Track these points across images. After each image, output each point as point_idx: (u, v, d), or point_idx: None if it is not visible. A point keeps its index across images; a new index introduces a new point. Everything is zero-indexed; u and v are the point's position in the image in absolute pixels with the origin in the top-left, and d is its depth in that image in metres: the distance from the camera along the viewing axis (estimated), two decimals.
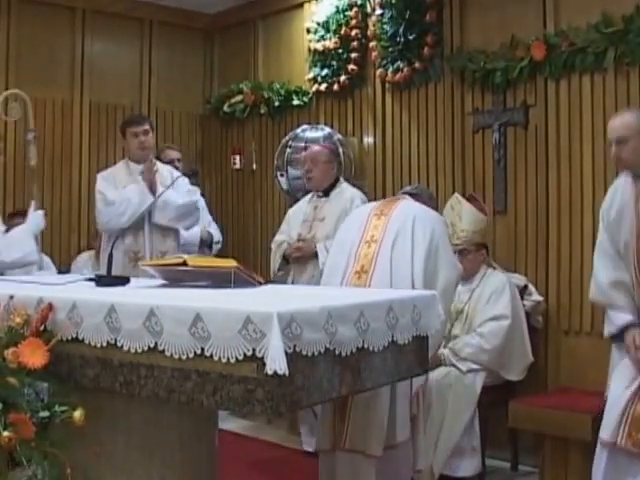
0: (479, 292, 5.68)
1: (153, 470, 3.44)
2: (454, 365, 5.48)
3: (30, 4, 7.82)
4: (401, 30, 6.94)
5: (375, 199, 6.86)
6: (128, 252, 6.08)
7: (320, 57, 7.80)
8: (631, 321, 4.31)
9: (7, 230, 5.49)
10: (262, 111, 8.44)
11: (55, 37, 8.08)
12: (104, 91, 8.35)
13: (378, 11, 7.20)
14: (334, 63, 7.65)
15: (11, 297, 3.52)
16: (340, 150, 7.17)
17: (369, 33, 7.36)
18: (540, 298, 5.95)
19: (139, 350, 3.09)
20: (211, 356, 2.88)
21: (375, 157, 7.42)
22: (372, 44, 7.27)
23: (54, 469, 3.18)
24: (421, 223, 4.60)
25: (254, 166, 8.56)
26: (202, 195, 7.56)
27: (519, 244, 6.27)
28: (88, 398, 3.28)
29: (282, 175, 7.52)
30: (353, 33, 7.48)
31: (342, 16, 7.57)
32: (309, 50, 7.94)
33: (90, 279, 4.08)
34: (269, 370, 2.70)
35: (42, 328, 3.35)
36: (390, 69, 7.09)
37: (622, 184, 4.47)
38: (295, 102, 8.11)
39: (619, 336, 4.38)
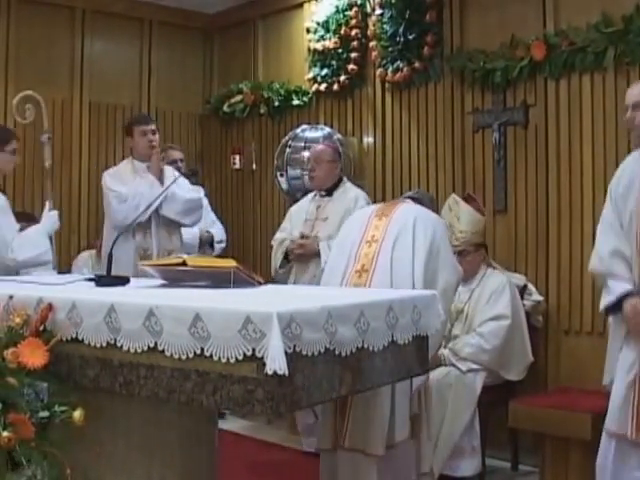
0: (479, 292, 5.68)
1: (153, 470, 3.44)
2: (454, 365, 5.47)
3: (30, 4, 7.83)
4: (401, 30, 6.94)
5: (375, 199, 6.89)
6: (138, 249, 6.12)
7: (320, 57, 7.80)
8: (630, 290, 4.29)
9: (21, 230, 5.56)
10: (262, 111, 8.45)
11: (55, 37, 8.08)
12: (104, 91, 8.36)
13: (378, 11, 7.20)
14: (334, 63, 7.66)
15: (11, 297, 3.52)
16: (340, 150, 7.17)
17: (369, 33, 7.36)
18: (540, 298, 5.95)
19: (139, 350, 3.09)
20: (211, 356, 2.87)
21: (375, 157, 7.42)
22: (372, 44, 7.27)
23: (54, 469, 3.18)
24: (422, 224, 4.60)
25: (254, 166, 8.56)
26: (205, 195, 7.61)
27: (519, 244, 6.27)
28: (88, 398, 3.28)
29: (282, 175, 7.52)
30: (353, 33, 7.48)
31: (342, 16, 7.57)
32: (309, 50, 7.94)
33: (90, 279, 4.08)
34: (269, 370, 2.70)
35: (42, 328, 3.35)
36: (390, 69, 7.09)
37: (631, 160, 4.50)
38: (295, 102, 8.12)
39: (616, 306, 4.35)
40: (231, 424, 6.93)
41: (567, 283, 5.95)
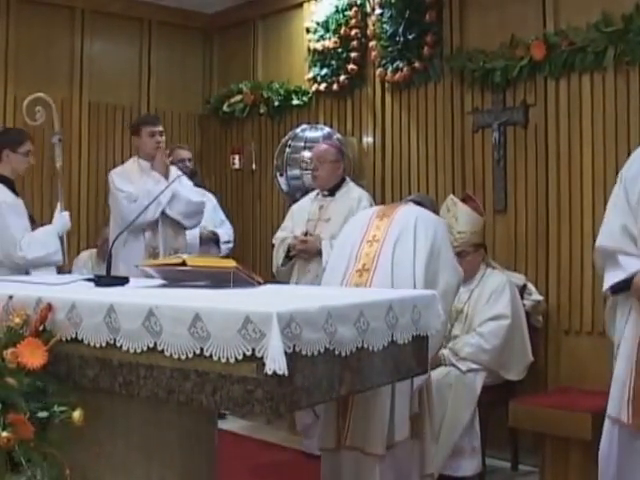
0: (479, 292, 5.68)
1: (152, 470, 3.44)
2: (454, 365, 5.47)
3: (29, 4, 7.83)
4: (401, 30, 6.94)
5: (374, 199, 6.88)
6: (147, 247, 6.19)
7: (320, 57, 7.80)
8: None
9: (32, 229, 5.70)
10: (261, 111, 8.45)
11: (54, 37, 8.09)
12: (103, 91, 8.36)
13: (378, 11, 7.20)
14: (334, 63, 7.65)
15: (10, 297, 3.52)
16: (344, 149, 7.19)
17: (369, 33, 7.36)
18: (540, 297, 5.95)
19: (138, 350, 3.08)
20: (210, 356, 2.87)
21: (374, 157, 7.42)
22: (372, 44, 7.27)
23: (53, 470, 3.17)
24: (423, 225, 4.60)
25: (253, 166, 8.57)
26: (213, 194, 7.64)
27: (519, 243, 6.26)
28: (87, 398, 3.27)
29: (281, 175, 7.52)
30: (353, 33, 7.48)
31: (342, 16, 7.57)
32: (309, 50, 7.94)
33: (89, 279, 4.07)
34: (268, 370, 2.70)
35: (41, 328, 3.35)
36: (390, 69, 7.09)
37: None
38: (295, 102, 8.11)
39: (624, 284, 4.34)
40: (231, 424, 6.93)
41: (567, 283, 5.95)
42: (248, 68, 8.76)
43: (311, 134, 7.41)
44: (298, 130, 7.54)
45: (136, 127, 6.51)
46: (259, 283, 3.83)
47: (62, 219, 5.75)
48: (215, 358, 2.86)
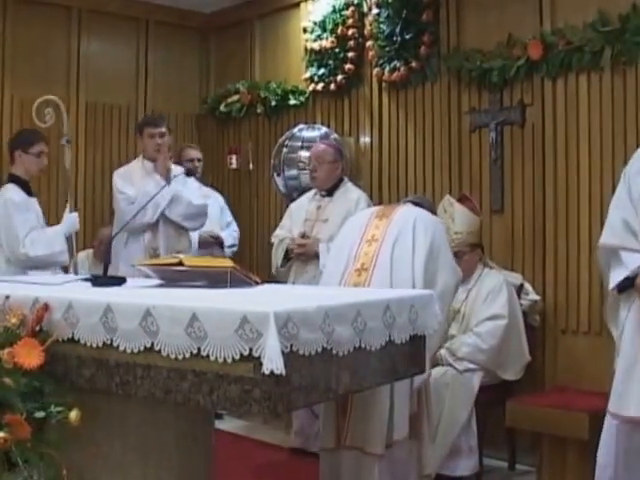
0: (476, 292, 5.68)
1: (149, 471, 3.44)
2: (451, 365, 5.47)
3: (26, 4, 7.82)
4: (398, 29, 6.93)
5: (371, 198, 6.88)
6: (148, 248, 6.24)
7: (317, 56, 7.79)
8: None
9: None
10: (259, 111, 8.44)
11: (51, 37, 8.08)
12: (100, 91, 8.34)
13: (375, 10, 7.20)
14: (331, 62, 7.65)
15: (7, 297, 3.52)
16: (342, 149, 7.19)
17: (366, 32, 7.35)
18: (537, 297, 5.94)
19: (135, 350, 3.09)
20: (207, 356, 2.87)
21: (372, 157, 7.42)
22: (369, 43, 7.27)
23: (50, 470, 3.17)
24: (422, 225, 4.61)
25: (251, 166, 8.56)
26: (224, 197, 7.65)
27: (516, 243, 6.26)
28: (84, 399, 3.27)
29: (279, 175, 7.52)
30: (350, 32, 7.47)
31: (339, 15, 7.57)
32: (306, 49, 7.94)
33: (86, 279, 4.07)
34: (266, 370, 2.70)
35: (38, 328, 3.36)
36: (387, 68, 7.09)
37: None
38: (292, 102, 8.11)
39: (628, 281, 4.34)
40: (228, 424, 6.92)
41: (564, 282, 5.95)
42: (245, 68, 8.76)
43: (308, 134, 7.40)
44: (295, 130, 7.53)
45: (139, 128, 6.59)
46: (256, 283, 3.83)
47: (70, 220, 5.81)
48: (212, 358, 2.86)
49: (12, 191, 5.73)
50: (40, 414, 3.19)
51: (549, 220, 6.05)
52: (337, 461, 4.48)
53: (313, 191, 6.55)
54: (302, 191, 6.84)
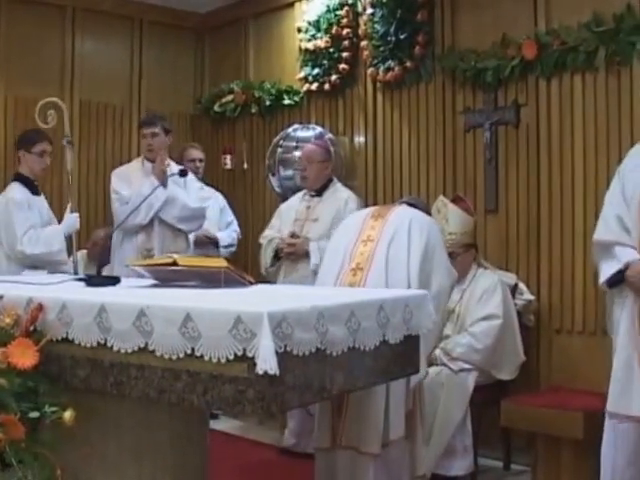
0: (470, 292, 5.68)
1: (144, 471, 3.43)
2: (446, 365, 5.47)
3: (20, 2, 7.80)
4: (392, 29, 6.93)
5: (366, 198, 6.89)
6: (141, 249, 6.23)
7: (311, 56, 7.79)
8: (639, 258, 4.35)
9: None
10: (253, 111, 8.44)
11: (45, 36, 8.06)
12: (94, 90, 8.33)
13: (369, 10, 7.19)
14: (325, 62, 7.64)
15: (1, 297, 3.51)
16: (332, 149, 7.18)
17: (360, 32, 7.35)
18: (531, 297, 5.95)
19: (129, 350, 3.09)
20: (201, 356, 2.87)
21: (366, 156, 7.42)
22: (363, 43, 7.26)
23: (44, 470, 3.17)
24: (418, 225, 4.61)
25: (245, 166, 8.55)
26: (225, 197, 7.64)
27: (510, 243, 6.26)
28: (78, 399, 3.27)
29: (273, 175, 7.53)
30: (344, 32, 7.47)
31: (333, 15, 7.56)
32: (300, 49, 7.93)
33: (80, 279, 4.07)
34: (260, 370, 2.70)
35: (32, 328, 3.35)
36: (381, 68, 7.09)
37: None
38: (286, 101, 8.11)
39: (620, 275, 4.39)
40: (223, 424, 6.91)
41: (558, 282, 5.95)
42: (239, 68, 8.75)
43: (303, 134, 7.41)
44: (290, 130, 7.54)
45: (138, 128, 6.60)
46: (250, 283, 3.84)
47: (70, 220, 5.86)
48: (206, 358, 2.86)
49: (15, 190, 5.89)
50: (34, 414, 3.19)
51: (543, 220, 6.05)
52: (332, 461, 4.47)
53: (302, 192, 6.58)
54: (297, 191, 6.84)
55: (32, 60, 7.91)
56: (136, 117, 8.56)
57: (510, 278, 5.95)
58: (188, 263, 3.84)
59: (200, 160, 7.57)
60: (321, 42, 7.63)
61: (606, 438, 4.43)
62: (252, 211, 8.52)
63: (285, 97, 8.12)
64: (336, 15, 7.54)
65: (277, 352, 2.74)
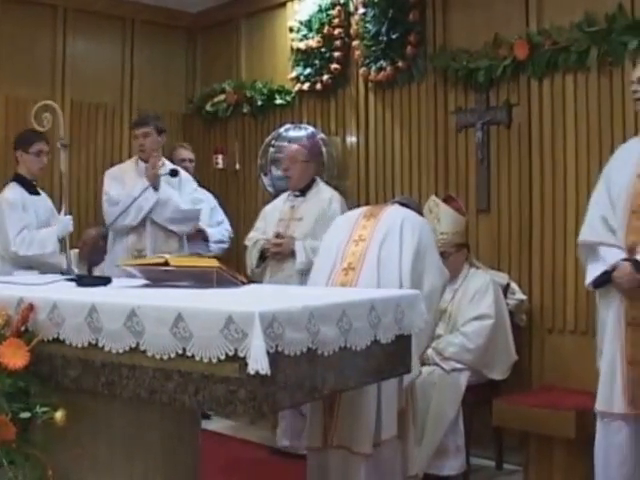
0: (462, 292, 5.68)
1: (135, 472, 3.43)
2: (438, 364, 5.47)
3: (12, 2, 7.76)
4: (384, 29, 6.93)
5: (358, 198, 6.90)
6: (131, 250, 6.23)
7: (303, 56, 7.78)
8: (624, 257, 4.38)
9: None
10: (245, 110, 8.43)
11: (37, 35, 8.03)
12: (85, 90, 8.30)
13: (361, 10, 7.19)
14: (317, 62, 7.64)
15: None
16: (323, 149, 7.19)
17: (352, 32, 7.34)
18: (523, 297, 5.95)
19: (120, 350, 3.08)
20: (193, 356, 2.87)
21: (358, 156, 7.41)
22: (355, 43, 7.26)
23: (35, 471, 3.17)
24: (410, 225, 4.61)
25: (237, 166, 8.55)
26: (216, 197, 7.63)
27: (502, 243, 6.27)
28: (70, 399, 3.27)
29: (265, 174, 7.52)
30: (336, 32, 7.46)
31: (325, 15, 7.56)
32: (292, 49, 7.92)
33: (71, 279, 4.06)
34: (251, 370, 2.70)
35: (23, 329, 3.35)
36: (373, 68, 7.08)
37: (632, 142, 4.69)
38: (278, 101, 8.10)
39: (606, 276, 4.41)
40: (215, 424, 6.91)
41: (550, 282, 5.96)
42: (231, 67, 8.74)
43: (294, 134, 7.41)
44: (282, 130, 7.55)
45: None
46: (243, 283, 3.83)
47: (63, 222, 5.82)
48: (197, 358, 2.86)
49: (10, 190, 5.92)
50: (25, 414, 3.19)
51: (535, 220, 6.05)
52: (324, 461, 4.47)
53: (286, 193, 6.62)
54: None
55: (24, 60, 7.88)
56: (127, 117, 8.55)
57: (502, 278, 5.96)
58: (180, 263, 3.84)
59: (190, 160, 7.55)
60: (313, 42, 7.62)
61: (598, 437, 4.45)
62: (244, 211, 8.50)
63: (277, 97, 8.11)
64: (328, 15, 7.54)
65: (268, 352, 2.74)
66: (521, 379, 5.91)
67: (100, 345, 3.14)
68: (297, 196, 6.46)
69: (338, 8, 7.46)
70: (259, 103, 8.24)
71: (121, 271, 4.45)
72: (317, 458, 4.53)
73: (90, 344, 3.18)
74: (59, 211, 6.01)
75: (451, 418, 5.40)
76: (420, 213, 5.08)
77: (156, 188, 6.17)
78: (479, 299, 5.60)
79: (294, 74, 7.89)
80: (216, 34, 9.00)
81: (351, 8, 7.40)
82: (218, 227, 7.59)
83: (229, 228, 7.71)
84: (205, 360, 2.84)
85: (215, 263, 3.75)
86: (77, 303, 3.27)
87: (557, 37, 5.80)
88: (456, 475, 5.43)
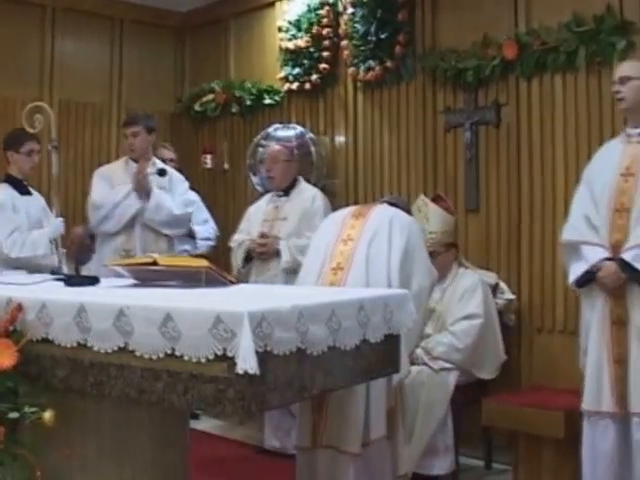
0: (451, 291, 5.68)
1: (124, 472, 3.43)
2: (426, 364, 5.47)
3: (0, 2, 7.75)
4: (373, 29, 6.93)
5: (347, 198, 6.90)
6: (119, 250, 6.22)
7: (292, 56, 7.78)
8: (607, 256, 4.40)
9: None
10: (234, 110, 8.42)
11: (25, 35, 8.01)
12: (74, 90, 8.28)
13: (350, 10, 7.19)
14: (306, 62, 7.64)
15: None
16: (312, 149, 7.20)
17: (341, 32, 7.35)
18: (512, 296, 5.96)
19: (109, 350, 3.08)
20: (182, 356, 2.87)
21: (347, 156, 7.42)
22: (344, 43, 7.26)
23: (24, 471, 3.16)
24: (399, 225, 4.62)
25: (226, 165, 8.54)
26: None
27: (491, 243, 6.28)
28: (58, 399, 3.26)
29: (254, 174, 7.52)
30: (325, 32, 7.46)
31: (314, 15, 7.56)
32: (281, 49, 7.92)
33: (59, 279, 4.05)
34: (240, 370, 2.70)
35: (11, 328, 3.34)
36: (362, 68, 7.08)
37: (612, 143, 4.75)
38: (267, 101, 8.09)
39: (588, 275, 4.44)
40: (204, 424, 6.91)
41: (539, 281, 5.97)
42: (220, 67, 8.73)
43: (283, 133, 7.42)
44: (270, 129, 7.55)
45: None
46: (231, 282, 3.83)
47: (54, 224, 5.79)
48: (186, 358, 2.86)
49: (0, 191, 5.86)
50: (14, 415, 3.18)
51: (524, 220, 6.07)
52: (313, 460, 4.48)
53: (269, 194, 6.65)
54: None
55: (12, 59, 7.85)
56: (116, 116, 8.54)
57: (491, 277, 5.96)
58: (169, 263, 3.83)
59: (171, 160, 7.49)
60: (302, 42, 7.62)
61: (585, 437, 4.47)
62: (233, 211, 8.48)
63: (266, 97, 8.10)
64: (317, 15, 7.54)
65: (257, 352, 2.73)
66: (510, 379, 5.92)
67: (89, 345, 3.14)
68: (280, 196, 6.48)
69: (327, 8, 7.46)
70: (248, 103, 8.24)
71: (109, 271, 4.45)
72: (306, 458, 4.53)
73: (79, 344, 3.18)
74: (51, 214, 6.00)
75: (440, 417, 5.39)
76: (409, 212, 5.08)
77: (148, 194, 6.16)
78: (468, 298, 5.60)
79: (283, 74, 7.89)
80: (205, 34, 8.99)
81: (340, 8, 7.40)
82: (204, 225, 7.58)
83: (214, 226, 7.69)
84: (194, 360, 2.84)
85: (204, 263, 3.75)
86: (66, 303, 3.27)
87: (546, 37, 5.81)
88: (445, 475, 5.43)
